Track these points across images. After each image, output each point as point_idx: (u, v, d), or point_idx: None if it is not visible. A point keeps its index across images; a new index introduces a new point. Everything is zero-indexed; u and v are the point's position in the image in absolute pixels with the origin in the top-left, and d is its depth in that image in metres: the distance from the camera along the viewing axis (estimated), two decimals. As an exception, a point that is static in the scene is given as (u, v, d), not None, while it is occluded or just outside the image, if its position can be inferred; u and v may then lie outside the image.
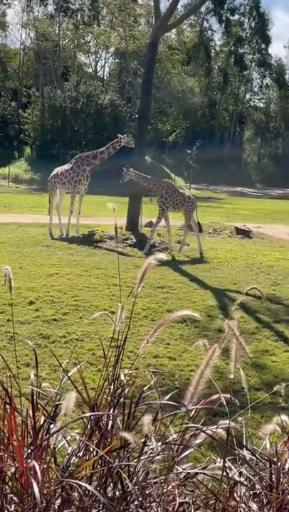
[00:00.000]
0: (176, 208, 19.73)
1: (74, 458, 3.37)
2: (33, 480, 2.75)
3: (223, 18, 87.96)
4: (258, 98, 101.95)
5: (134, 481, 3.26)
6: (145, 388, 3.72)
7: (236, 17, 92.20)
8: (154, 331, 3.35)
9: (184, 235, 20.33)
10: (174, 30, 71.71)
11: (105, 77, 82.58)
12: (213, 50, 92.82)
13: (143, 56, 50.21)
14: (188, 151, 68.48)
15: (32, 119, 63.45)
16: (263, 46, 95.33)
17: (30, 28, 74.83)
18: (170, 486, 3.27)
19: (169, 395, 3.84)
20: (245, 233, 24.64)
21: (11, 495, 3.06)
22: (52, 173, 22.10)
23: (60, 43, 74.43)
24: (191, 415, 3.49)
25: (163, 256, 3.56)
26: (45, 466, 3.10)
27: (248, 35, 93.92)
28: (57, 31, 73.54)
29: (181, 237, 21.74)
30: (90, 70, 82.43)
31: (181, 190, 20.04)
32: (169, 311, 11.23)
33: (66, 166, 21.80)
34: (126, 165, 20.18)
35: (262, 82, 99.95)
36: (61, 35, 74.79)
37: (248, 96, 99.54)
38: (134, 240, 20.06)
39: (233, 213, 37.82)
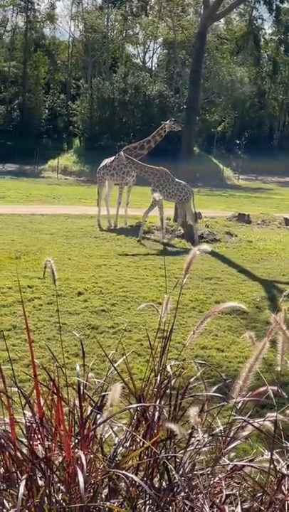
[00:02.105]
0: (169, 197, 19.32)
1: (121, 448, 3.38)
2: (79, 470, 2.76)
3: (273, 6, 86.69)
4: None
5: (180, 472, 3.26)
6: (192, 379, 3.70)
7: (287, 5, 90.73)
8: (201, 322, 3.33)
9: (177, 224, 19.89)
10: (222, 20, 71.08)
11: (153, 68, 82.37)
12: (262, 39, 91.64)
13: (191, 46, 49.88)
14: (237, 142, 67.97)
15: (81, 111, 63.70)
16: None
17: (79, 20, 75.11)
18: (217, 478, 3.26)
19: (216, 387, 3.83)
20: (294, 224, 24.35)
21: (59, 484, 3.09)
22: (100, 165, 22.17)
23: (109, 34, 74.51)
24: (238, 407, 3.46)
25: (207, 247, 3.52)
26: (91, 456, 3.12)
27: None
28: (105, 23, 73.64)
29: (230, 228, 21.61)
30: (138, 61, 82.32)
31: (177, 180, 19.59)
32: (217, 302, 11.17)
33: (114, 158, 21.84)
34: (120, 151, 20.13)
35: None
36: (109, 27, 74.85)
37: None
38: (182, 231, 19.99)
39: (283, 204, 37.39)
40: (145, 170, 19.69)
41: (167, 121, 21.49)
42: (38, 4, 74.80)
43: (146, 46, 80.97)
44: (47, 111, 72.06)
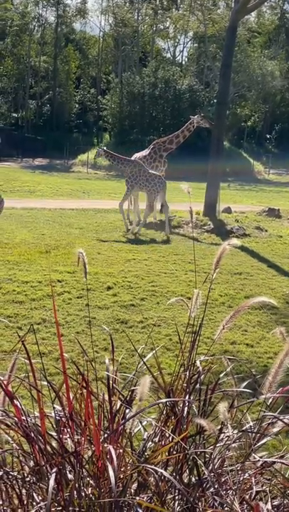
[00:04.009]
0: (141, 187, 19.43)
1: (150, 443, 3.37)
2: (108, 464, 2.77)
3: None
4: None
5: (210, 468, 3.25)
6: (221, 375, 3.69)
7: None
8: (231, 317, 3.32)
9: (144, 215, 19.82)
10: (253, 13, 70.56)
11: (184, 62, 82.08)
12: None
13: (222, 40, 49.62)
14: (268, 136, 67.46)
15: (110, 105, 63.77)
16: None
17: (110, 14, 75.11)
18: (246, 474, 3.24)
19: (245, 382, 3.80)
20: None
21: (88, 478, 3.09)
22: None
23: (139, 28, 74.40)
24: (268, 403, 3.44)
25: (236, 241, 3.50)
26: (121, 450, 3.12)
27: None
28: (136, 17, 73.56)
29: (260, 222, 21.48)
30: (169, 55, 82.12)
31: (151, 171, 19.61)
32: (247, 297, 11.11)
33: (144, 152, 21.85)
34: (102, 147, 20.28)
35: None
36: (140, 21, 74.73)
37: None
38: (212, 226, 19.92)
39: (314, 199, 37.07)
40: (121, 162, 19.92)
41: (196, 116, 21.40)
42: (68, -1, 75.01)
43: (177, 40, 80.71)
44: (77, 105, 72.26)
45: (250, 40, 71.23)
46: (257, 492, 3.17)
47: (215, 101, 37.77)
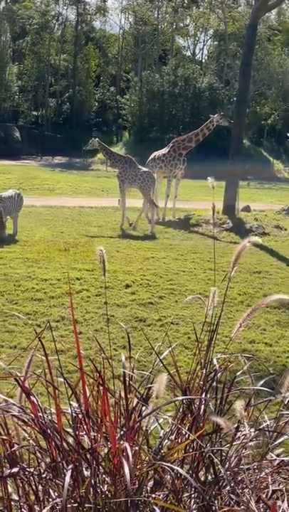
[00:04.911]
0: (131, 183, 19.47)
1: (166, 441, 3.37)
2: (124, 461, 2.77)
3: None
4: None
5: (226, 466, 3.24)
6: (239, 373, 3.67)
7: None
8: (248, 315, 3.30)
9: (151, 213, 19.73)
10: (274, 11, 70.14)
11: (203, 60, 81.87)
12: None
13: (242, 38, 49.42)
14: (288, 134, 67.04)
15: (130, 104, 63.78)
16: None
17: (130, 12, 75.08)
18: (263, 473, 3.23)
19: (263, 381, 3.79)
20: None
21: (104, 475, 3.10)
22: (149, 158, 22.20)
23: (159, 26, 74.29)
24: (285, 402, 3.42)
25: (257, 238, 3.49)
26: (137, 448, 3.12)
27: None
28: (156, 15, 73.46)
29: (279, 221, 21.38)
30: (188, 53, 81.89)
31: (140, 167, 19.62)
32: (265, 296, 11.05)
33: (163, 150, 21.84)
34: (95, 139, 20.45)
35: None
36: (160, 19, 74.62)
37: None
38: (231, 225, 19.85)
39: None
40: (113, 157, 20.20)
41: (215, 115, 21.35)
42: (88, -3, 74.84)
43: (197, 38, 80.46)
44: (97, 104, 72.31)
45: (270, 38, 70.87)
46: (273, 491, 3.16)
47: (235, 99, 37.60)
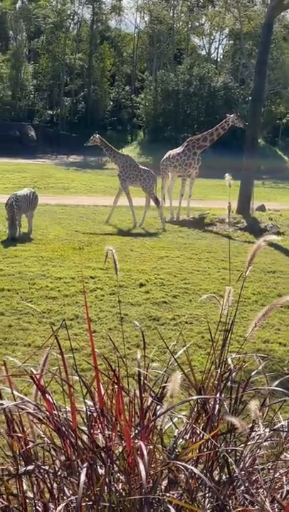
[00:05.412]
0: (132, 182, 19.63)
1: (180, 440, 3.37)
2: (139, 460, 2.77)
3: None
4: None
5: (240, 466, 3.24)
6: (253, 373, 3.67)
7: None
8: (263, 315, 3.30)
9: (159, 212, 19.73)
10: (290, 10, 69.88)
11: (219, 59, 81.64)
12: None
13: (258, 37, 49.27)
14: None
15: (145, 103, 63.73)
16: None
17: (145, 11, 75.01)
18: (278, 473, 3.22)
19: (278, 381, 3.78)
20: None
21: (119, 474, 3.10)
22: (164, 157, 22.19)
23: (174, 25, 74.18)
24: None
25: (275, 237, 3.48)
26: (151, 447, 3.13)
27: None
28: (171, 14, 73.34)
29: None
30: (204, 53, 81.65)
31: (141, 166, 19.69)
32: (280, 296, 11.02)
33: (178, 150, 21.82)
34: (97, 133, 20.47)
35: None
36: (175, 18, 74.50)
37: None
38: (245, 224, 19.80)
39: None
40: (113, 155, 20.25)
41: (232, 115, 21.30)
42: (104, -4, 74.77)
43: (212, 37, 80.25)
44: (111, 103, 72.36)
45: (286, 37, 70.49)
46: (288, 491, 3.16)
47: (250, 98, 37.48)
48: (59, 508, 2.84)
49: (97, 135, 20.47)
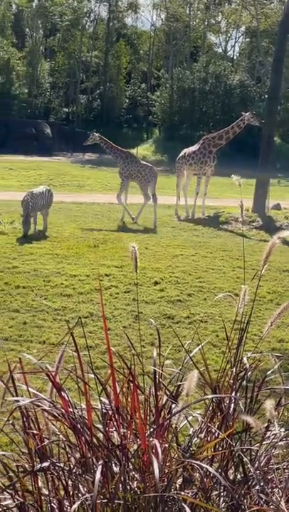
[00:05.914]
0: (132, 177, 19.74)
1: (195, 439, 3.37)
2: (154, 458, 2.77)
3: None
4: None
5: (255, 465, 3.23)
6: (269, 372, 3.66)
7: None
8: (278, 314, 3.29)
9: (142, 205, 19.77)
10: (307, 7, 69.49)
11: (235, 57, 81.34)
12: None
13: (275, 34, 49.04)
14: None
15: (161, 100, 63.65)
16: None
17: (162, 9, 74.87)
18: (293, 473, 3.21)
19: (293, 381, 3.77)
20: None
21: (133, 472, 3.11)
22: (179, 155, 22.17)
23: (191, 23, 74.01)
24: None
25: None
26: (166, 445, 3.13)
27: None
28: (188, 12, 73.17)
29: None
30: (220, 50, 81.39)
31: (142, 162, 19.75)
32: (295, 295, 11.01)
33: (193, 148, 21.79)
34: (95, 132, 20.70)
35: None
36: (192, 16, 74.33)
37: None
38: (261, 223, 19.74)
39: None
40: (114, 152, 20.34)
41: (247, 113, 21.24)
42: (120, -6, 74.66)
43: (229, 35, 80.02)
44: (127, 100, 72.34)
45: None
46: (303, 491, 3.15)
47: (266, 96, 37.34)
48: (74, 506, 2.85)
49: (96, 133, 20.56)
